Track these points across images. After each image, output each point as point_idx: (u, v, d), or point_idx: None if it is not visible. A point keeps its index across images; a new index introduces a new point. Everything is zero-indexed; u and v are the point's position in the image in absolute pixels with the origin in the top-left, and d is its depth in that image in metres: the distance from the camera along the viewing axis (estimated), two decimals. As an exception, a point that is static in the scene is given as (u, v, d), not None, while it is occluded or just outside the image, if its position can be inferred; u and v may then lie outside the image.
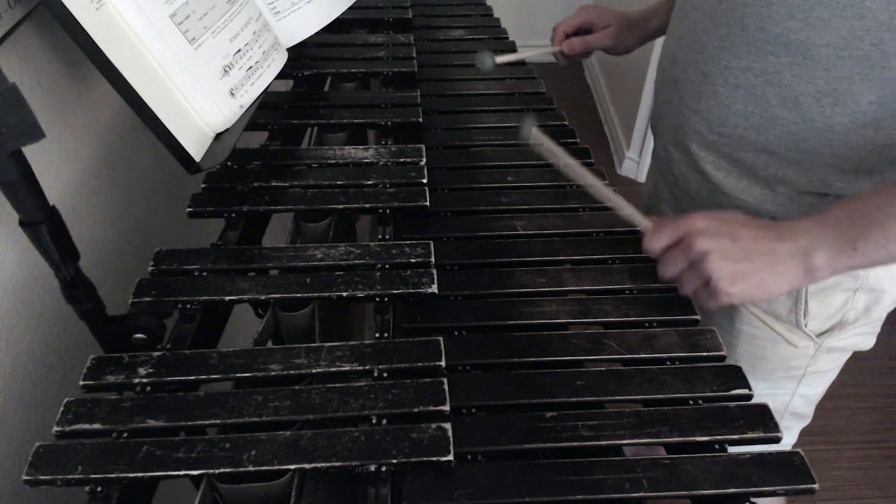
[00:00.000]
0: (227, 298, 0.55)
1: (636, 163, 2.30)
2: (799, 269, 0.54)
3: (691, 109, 0.70)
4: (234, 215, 0.65)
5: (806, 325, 0.73)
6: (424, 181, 0.68)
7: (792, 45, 0.59)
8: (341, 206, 0.65)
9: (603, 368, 0.53)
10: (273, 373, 0.49)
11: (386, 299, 0.56)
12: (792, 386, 0.80)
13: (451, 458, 0.44)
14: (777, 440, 0.48)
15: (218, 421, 0.46)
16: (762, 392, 0.77)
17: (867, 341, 0.77)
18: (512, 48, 1.02)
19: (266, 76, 0.69)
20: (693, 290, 0.57)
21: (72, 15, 0.51)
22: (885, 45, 0.55)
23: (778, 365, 0.78)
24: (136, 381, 0.49)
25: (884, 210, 0.52)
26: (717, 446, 0.48)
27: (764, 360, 0.78)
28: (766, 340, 0.76)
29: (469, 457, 0.47)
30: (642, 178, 2.28)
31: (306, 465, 0.43)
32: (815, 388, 0.81)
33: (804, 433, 0.88)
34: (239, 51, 0.65)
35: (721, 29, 0.64)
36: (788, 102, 0.62)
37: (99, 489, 0.43)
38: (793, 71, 0.60)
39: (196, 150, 0.59)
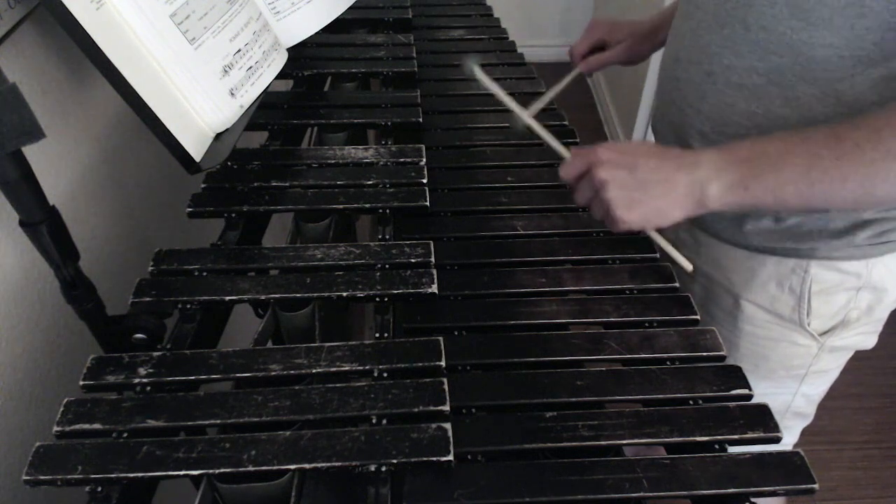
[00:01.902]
0: (227, 298, 0.55)
1: (636, 163, 2.30)
2: (692, 199, 0.56)
3: (694, 109, 0.70)
4: (234, 215, 0.65)
5: (809, 325, 0.73)
6: (424, 181, 0.68)
7: (794, 45, 0.59)
8: (341, 206, 0.65)
9: (603, 368, 0.53)
10: (273, 373, 0.49)
11: (386, 299, 0.56)
12: (794, 385, 0.80)
13: (451, 458, 0.44)
14: (777, 440, 0.48)
15: (218, 421, 0.46)
16: (764, 392, 0.77)
17: (869, 340, 0.77)
18: (512, 48, 1.02)
19: (266, 76, 0.69)
20: (600, 217, 0.60)
21: (72, 15, 0.51)
22: (887, 44, 0.55)
23: (780, 364, 0.77)
24: (136, 381, 0.49)
25: (782, 157, 0.54)
26: (717, 446, 0.48)
27: (766, 360, 0.78)
28: (769, 340, 0.76)
29: (469, 457, 0.46)
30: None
31: (306, 465, 0.43)
32: (818, 387, 0.81)
33: (805, 433, 0.88)
34: (239, 51, 0.65)
35: (724, 29, 0.64)
36: (791, 102, 0.62)
37: (99, 489, 0.43)
38: (795, 71, 0.60)
39: (196, 150, 0.59)
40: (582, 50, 0.91)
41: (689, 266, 0.64)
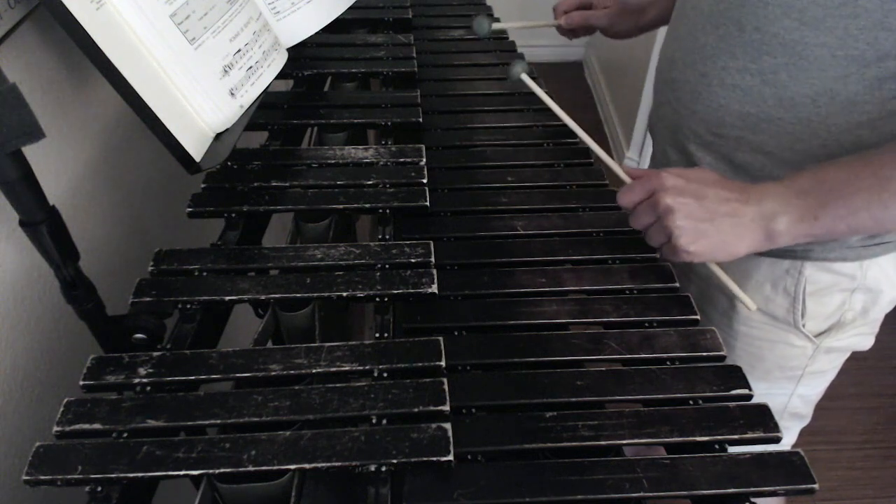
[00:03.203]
0: (227, 298, 0.55)
1: (636, 163, 2.30)
2: (760, 232, 0.55)
3: (689, 110, 0.70)
4: (234, 215, 0.65)
5: (804, 326, 0.73)
6: (424, 181, 0.68)
7: (787, 45, 0.59)
8: (341, 206, 0.65)
9: (603, 368, 0.53)
10: (273, 373, 0.49)
11: (386, 299, 0.56)
12: (790, 386, 0.80)
13: (451, 458, 0.44)
14: (777, 440, 0.48)
15: (218, 421, 0.46)
16: (761, 392, 0.77)
17: (865, 342, 0.77)
18: (512, 48, 1.02)
19: (266, 76, 0.69)
20: (658, 244, 0.59)
21: (72, 15, 0.51)
22: (880, 44, 0.55)
23: (776, 365, 0.78)
24: (136, 381, 0.49)
25: (849, 183, 0.53)
26: (717, 446, 0.48)
27: (762, 361, 0.78)
28: (764, 341, 0.76)
29: (469, 457, 0.47)
30: (642, 178, 2.28)
31: (306, 465, 0.43)
32: (814, 388, 0.81)
33: (804, 433, 0.88)
34: (239, 51, 0.65)
35: (718, 30, 0.64)
36: (784, 103, 0.62)
37: (99, 489, 0.43)
38: (789, 71, 0.60)
39: (196, 150, 0.59)
40: (566, 6, 0.94)
41: (752, 305, 0.63)
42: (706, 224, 0.55)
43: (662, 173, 0.57)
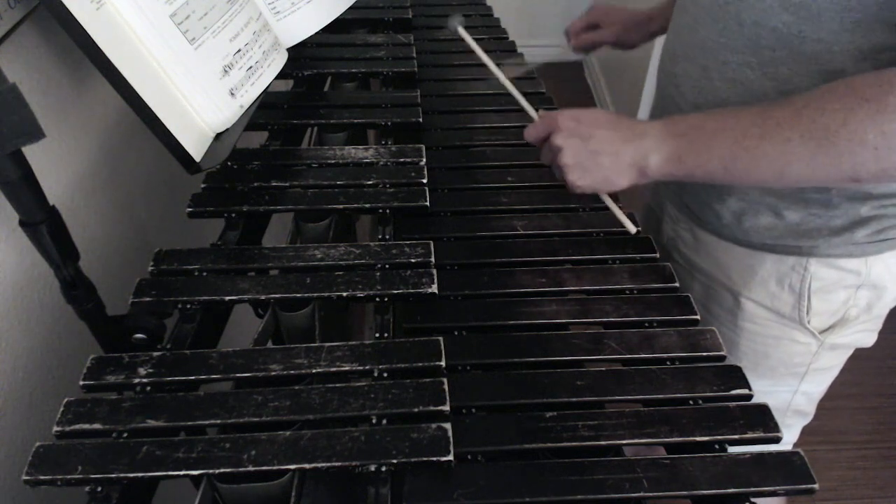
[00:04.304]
0: (227, 298, 0.55)
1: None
2: (634, 169, 0.60)
3: (690, 104, 0.70)
4: (234, 215, 0.65)
5: (809, 322, 0.73)
6: (424, 181, 0.68)
7: (786, 39, 0.59)
8: (341, 206, 0.65)
9: (603, 368, 0.53)
10: (273, 373, 0.49)
11: (386, 299, 0.56)
12: (794, 383, 0.80)
13: (451, 458, 0.44)
14: (777, 440, 0.48)
15: (218, 421, 0.46)
16: (765, 389, 0.77)
17: (869, 338, 0.77)
18: (512, 48, 1.02)
19: (266, 76, 0.69)
20: (559, 178, 0.64)
21: (72, 15, 0.51)
22: (876, 37, 0.55)
23: (780, 362, 0.78)
24: (136, 381, 0.49)
25: (716, 134, 0.57)
26: (717, 446, 0.48)
27: (766, 358, 0.78)
28: (769, 338, 0.76)
29: (469, 457, 0.47)
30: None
31: (306, 465, 0.43)
32: (818, 385, 0.81)
33: (804, 433, 0.88)
34: (239, 51, 0.65)
35: (718, 24, 0.64)
36: (785, 97, 0.62)
37: (99, 489, 0.43)
38: (788, 65, 0.60)
39: (196, 150, 0.59)
40: (577, 28, 0.97)
41: (632, 228, 0.66)
42: (589, 162, 0.60)
43: (559, 115, 0.63)
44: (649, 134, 0.59)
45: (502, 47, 1.02)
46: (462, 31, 0.68)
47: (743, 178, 0.57)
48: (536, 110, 0.70)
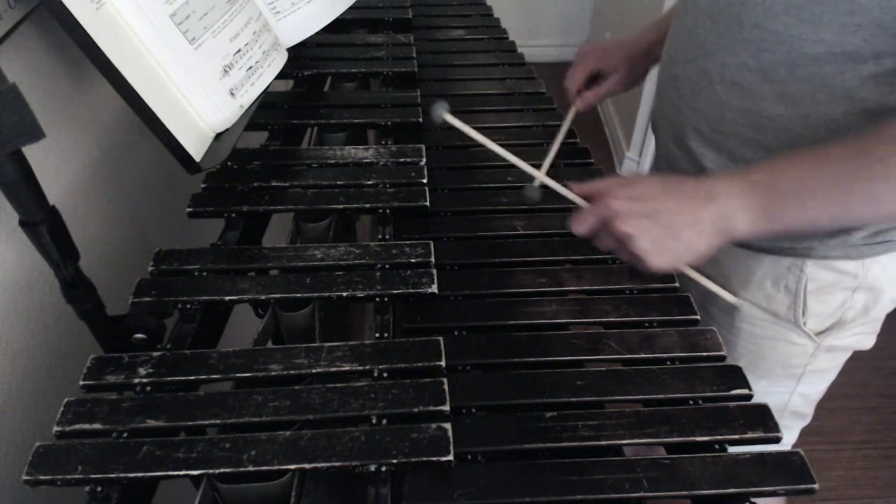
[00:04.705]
0: (227, 298, 0.55)
1: (636, 163, 2.30)
2: (719, 234, 0.55)
3: (690, 107, 0.70)
4: (234, 215, 0.65)
5: (805, 324, 0.73)
6: (424, 181, 0.68)
7: (786, 42, 0.59)
8: (341, 206, 0.65)
9: (603, 368, 0.53)
10: (273, 373, 0.49)
11: (386, 299, 0.56)
12: (791, 384, 0.80)
13: (451, 458, 0.44)
14: (777, 440, 0.48)
15: (218, 421, 0.46)
16: (761, 390, 0.77)
17: (867, 341, 0.77)
18: (512, 48, 1.02)
19: (266, 76, 0.69)
20: (627, 262, 0.58)
21: (72, 15, 0.51)
22: (877, 40, 0.55)
23: (777, 363, 0.78)
24: (136, 381, 0.49)
25: (807, 182, 0.53)
26: (717, 446, 0.48)
27: (763, 359, 0.78)
28: (766, 339, 0.76)
29: (469, 457, 0.47)
30: (642, 178, 2.28)
31: (306, 465, 0.43)
32: (815, 387, 0.81)
33: (804, 433, 0.88)
34: (239, 51, 0.65)
35: (718, 26, 0.64)
36: (784, 99, 0.62)
37: (99, 489, 0.43)
38: (788, 67, 0.60)
39: (196, 150, 0.59)
40: (577, 82, 0.85)
41: (734, 299, 0.62)
42: (669, 240, 0.55)
43: (609, 198, 0.56)
44: (725, 193, 0.54)
45: (502, 47, 1.02)
46: (450, 118, 0.62)
47: (855, 220, 0.54)
48: (564, 185, 0.61)
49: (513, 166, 0.63)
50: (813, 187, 0.53)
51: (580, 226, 0.58)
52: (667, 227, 0.54)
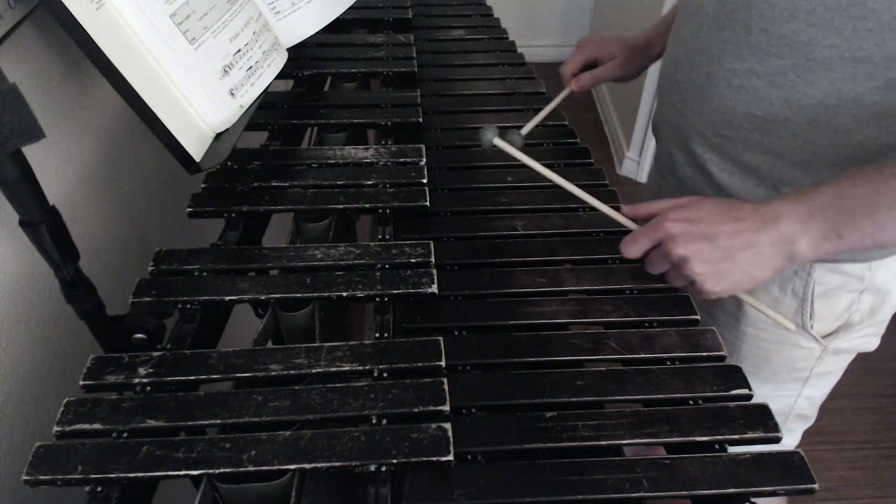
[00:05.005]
0: (227, 298, 0.55)
1: (636, 163, 2.30)
2: (781, 256, 0.54)
3: (694, 112, 0.70)
4: (234, 215, 0.65)
5: (812, 327, 0.73)
6: (424, 181, 0.68)
7: (795, 47, 0.59)
8: (341, 206, 0.65)
9: (603, 368, 0.53)
10: (273, 373, 0.49)
11: (386, 299, 0.56)
12: (797, 388, 0.80)
13: (451, 458, 0.44)
14: (777, 440, 0.48)
15: (218, 421, 0.46)
16: (767, 394, 0.77)
17: (872, 342, 0.77)
18: (512, 48, 1.02)
19: (266, 76, 0.69)
20: (681, 287, 0.57)
21: (72, 15, 0.51)
22: (888, 45, 0.55)
23: (783, 367, 0.77)
24: (136, 381, 0.49)
25: (874, 199, 0.52)
26: (717, 446, 0.48)
27: (769, 363, 0.78)
28: (771, 343, 0.76)
29: (469, 457, 0.47)
30: (642, 178, 2.28)
31: (306, 465, 0.43)
32: (820, 389, 0.81)
33: (804, 433, 0.88)
34: (239, 51, 0.65)
35: (724, 31, 0.64)
36: (792, 104, 0.62)
37: (99, 489, 0.43)
38: (796, 72, 0.60)
39: (196, 150, 0.59)
40: (573, 69, 0.87)
41: (791, 325, 0.62)
42: (725, 263, 0.53)
43: (665, 222, 0.55)
44: (784, 214, 0.53)
45: (502, 47, 1.02)
46: (500, 143, 0.60)
47: None
48: (618, 209, 0.61)
49: (523, 166, 0.64)
50: (879, 202, 0.52)
51: (633, 249, 0.57)
52: (724, 251, 0.53)
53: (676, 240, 0.54)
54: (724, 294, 0.56)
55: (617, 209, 0.61)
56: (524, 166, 0.75)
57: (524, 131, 0.65)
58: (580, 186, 0.63)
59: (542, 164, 0.63)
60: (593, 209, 0.63)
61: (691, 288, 0.57)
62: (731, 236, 0.54)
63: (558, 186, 0.71)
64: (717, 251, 0.54)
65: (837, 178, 0.54)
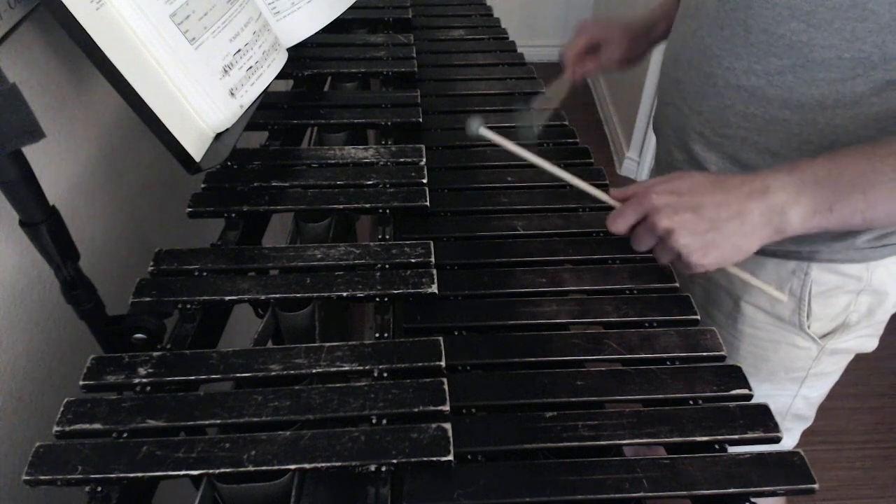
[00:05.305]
0: (227, 298, 0.55)
1: (636, 162, 2.30)
2: (770, 227, 0.53)
3: (694, 111, 0.70)
4: (234, 215, 0.65)
5: (809, 327, 0.73)
6: (424, 181, 0.68)
7: (794, 47, 0.59)
8: (341, 206, 0.65)
9: (603, 368, 0.53)
10: (273, 373, 0.49)
11: (386, 299, 0.56)
12: (794, 388, 0.80)
13: (451, 458, 0.44)
14: (777, 440, 0.48)
15: (218, 421, 0.46)
16: (764, 394, 0.77)
17: (870, 343, 0.77)
18: (512, 48, 1.02)
19: (266, 76, 0.69)
20: (668, 262, 0.57)
21: (72, 15, 0.51)
22: (887, 46, 0.55)
23: (780, 367, 0.77)
24: (136, 381, 0.49)
25: (867, 176, 0.51)
26: (717, 446, 0.48)
27: (766, 362, 0.78)
28: (769, 342, 0.76)
29: (469, 457, 0.46)
30: (642, 177, 2.28)
31: (306, 465, 0.43)
32: (818, 389, 0.81)
33: (804, 433, 0.88)
34: (239, 51, 0.65)
35: (724, 31, 0.64)
36: (790, 104, 0.62)
37: (99, 489, 0.43)
38: (795, 72, 0.60)
39: (196, 150, 0.59)
40: (574, 53, 0.85)
41: (782, 297, 0.61)
42: (712, 234, 0.53)
43: (650, 192, 0.54)
44: (774, 185, 0.53)
45: (502, 47, 1.02)
46: (485, 132, 0.60)
47: None
48: (606, 190, 0.60)
49: (523, 166, 0.64)
50: (874, 179, 0.51)
51: (618, 223, 0.56)
52: (711, 221, 0.53)
53: (661, 211, 0.53)
54: (712, 267, 0.55)
55: (605, 190, 0.61)
56: (524, 166, 0.75)
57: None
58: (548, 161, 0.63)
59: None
60: (600, 206, 0.62)
61: (678, 263, 0.56)
62: (717, 207, 0.53)
63: (559, 186, 0.71)
64: (703, 222, 0.53)
65: (832, 152, 0.54)
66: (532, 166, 0.75)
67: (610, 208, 0.60)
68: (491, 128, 0.62)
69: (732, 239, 0.53)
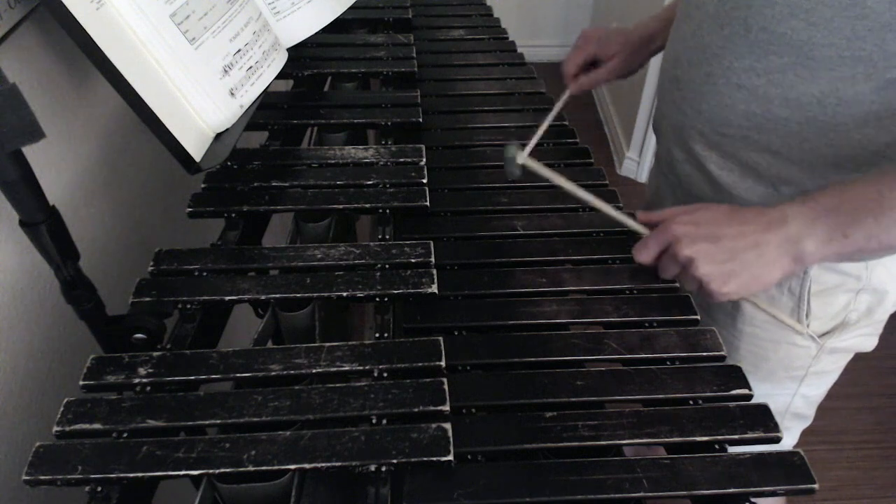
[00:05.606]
0: (227, 298, 0.55)
1: (636, 163, 2.30)
2: (788, 257, 0.54)
3: (694, 110, 0.70)
4: (234, 215, 0.65)
5: (808, 326, 0.72)
6: (424, 181, 0.68)
7: (795, 46, 0.59)
8: (341, 206, 0.65)
9: (603, 368, 0.53)
10: (273, 373, 0.49)
11: (386, 299, 0.56)
12: (793, 386, 0.80)
13: (451, 458, 0.44)
14: (777, 440, 0.48)
15: (218, 421, 0.46)
16: (764, 393, 0.77)
17: (869, 342, 0.77)
18: (512, 48, 1.02)
19: (266, 76, 0.69)
20: (693, 290, 0.58)
21: (72, 15, 0.51)
22: (888, 45, 0.55)
23: (779, 366, 0.77)
24: (136, 381, 0.49)
25: (878, 200, 0.52)
26: (717, 446, 0.48)
27: (766, 361, 0.78)
28: (768, 341, 0.76)
29: (469, 457, 0.47)
30: (642, 177, 2.28)
31: (306, 465, 0.43)
32: (817, 388, 0.81)
33: (804, 433, 0.88)
34: (239, 51, 0.65)
35: (724, 29, 0.64)
36: (791, 102, 0.62)
37: (99, 489, 0.43)
38: (795, 71, 0.60)
39: (196, 150, 0.59)
40: (574, 67, 0.86)
41: (803, 329, 0.62)
42: (731, 264, 0.54)
43: (672, 224, 0.57)
44: (790, 216, 0.54)
45: (502, 47, 1.02)
46: (529, 161, 0.60)
47: None
48: (633, 217, 0.62)
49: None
50: (887, 204, 0.52)
51: (643, 254, 0.59)
52: (729, 252, 0.54)
53: (682, 241, 0.56)
54: (735, 297, 0.56)
55: (632, 217, 0.62)
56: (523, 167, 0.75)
57: (527, 150, 0.65)
58: (580, 186, 0.63)
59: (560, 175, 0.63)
60: (622, 223, 0.63)
61: (701, 292, 0.58)
62: (735, 238, 0.55)
63: (558, 186, 0.71)
64: (722, 252, 0.54)
65: (842, 181, 0.55)
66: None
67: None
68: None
69: (751, 269, 0.55)
